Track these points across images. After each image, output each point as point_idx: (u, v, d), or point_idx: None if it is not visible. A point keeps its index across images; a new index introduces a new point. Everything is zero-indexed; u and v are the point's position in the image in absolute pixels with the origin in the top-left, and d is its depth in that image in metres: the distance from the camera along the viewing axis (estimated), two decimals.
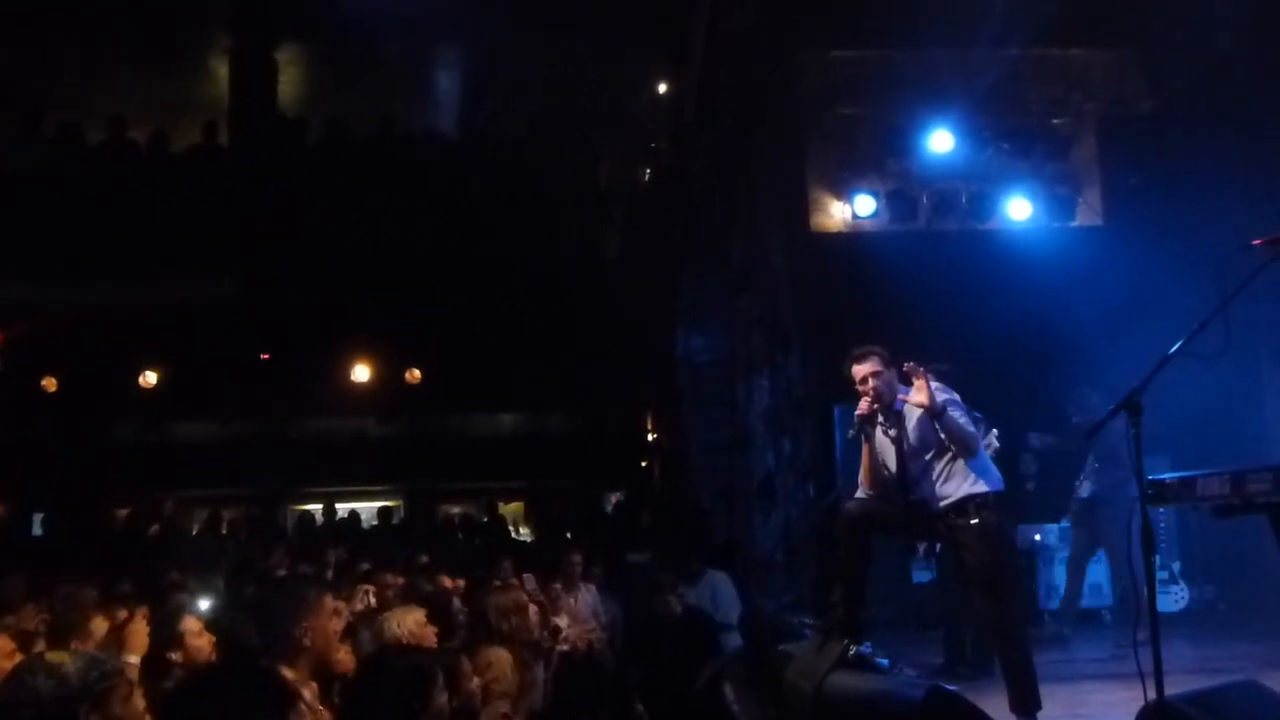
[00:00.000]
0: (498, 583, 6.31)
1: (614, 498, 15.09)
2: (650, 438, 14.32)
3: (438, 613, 5.41)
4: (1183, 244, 9.49)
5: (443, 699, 3.33)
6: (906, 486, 5.72)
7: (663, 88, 11.68)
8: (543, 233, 12.07)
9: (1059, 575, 9.76)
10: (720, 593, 8.79)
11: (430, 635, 4.81)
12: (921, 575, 10.21)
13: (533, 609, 5.87)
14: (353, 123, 13.59)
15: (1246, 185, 9.86)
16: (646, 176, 12.05)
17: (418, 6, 9.98)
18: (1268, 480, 3.49)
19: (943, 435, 5.56)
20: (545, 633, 6.19)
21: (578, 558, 8.62)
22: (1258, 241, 3.96)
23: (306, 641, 3.88)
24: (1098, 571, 9.76)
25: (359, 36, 11.32)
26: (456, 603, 6.10)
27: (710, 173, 10.36)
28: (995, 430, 7.42)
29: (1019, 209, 11.22)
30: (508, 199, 12.09)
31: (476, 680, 4.27)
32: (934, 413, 5.46)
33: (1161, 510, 9.42)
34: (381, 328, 12.03)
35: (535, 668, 5.49)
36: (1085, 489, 8.70)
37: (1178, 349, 3.95)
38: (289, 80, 13.87)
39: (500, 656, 4.73)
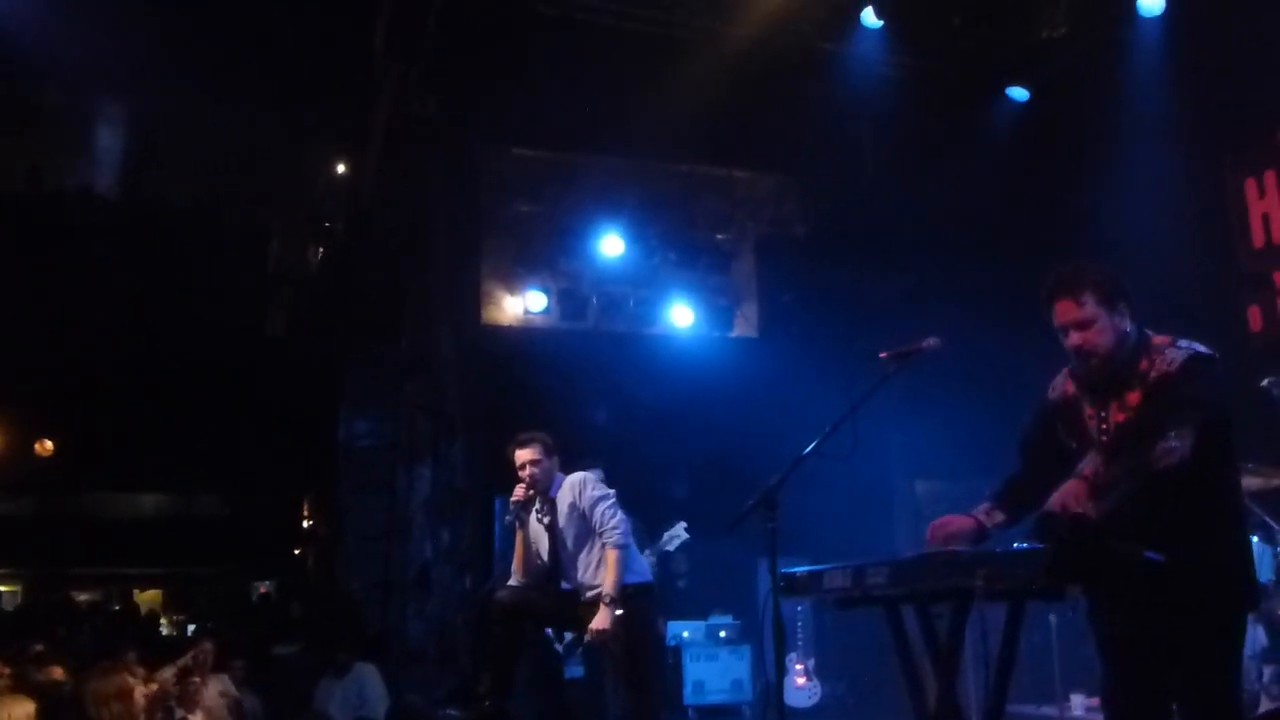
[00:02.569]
0: (103, 666, 5.85)
1: (262, 587, 14.39)
2: (307, 524, 13.79)
3: (49, 705, 4.99)
4: (827, 357, 10.19)
5: None
6: (557, 575, 5.77)
7: (341, 168, 11.52)
8: (204, 306, 11.51)
9: (704, 671, 10.07)
10: (368, 686, 8.54)
11: None
12: (574, 671, 10.29)
13: (143, 698, 5.46)
14: None
15: (882, 305, 10.77)
16: (318, 256, 11.79)
17: (81, 55, 9.41)
18: (884, 574, 3.72)
19: (592, 525, 5.67)
20: None
21: (209, 647, 8.11)
22: (883, 354, 4.28)
23: None
24: (740, 667, 10.14)
25: (6, 78, 10.51)
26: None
27: (383, 257, 10.26)
28: (683, 523, 7.68)
29: (682, 316, 11.75)
30: (168, 268, 11.47)
31: None
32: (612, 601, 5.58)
33: (799, 608, 9.96)
34: (9, 393, 11.02)
35: None
36: None
37: (810, 450, 4.21)
38: None
39: None
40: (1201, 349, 3.59)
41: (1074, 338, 3.68)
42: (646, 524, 8.90)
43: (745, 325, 12.23)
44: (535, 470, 5.79)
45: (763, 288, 12.39)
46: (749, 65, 9.85)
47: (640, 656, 5.62)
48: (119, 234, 11.64)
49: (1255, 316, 9.12)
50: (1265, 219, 9.19)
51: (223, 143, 11.86)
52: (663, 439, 10.56)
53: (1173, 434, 3.36)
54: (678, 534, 7.90)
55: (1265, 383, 6.91)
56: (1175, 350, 3.56)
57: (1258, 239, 9.23)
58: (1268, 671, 6.67)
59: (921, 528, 11.64)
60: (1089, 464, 3.64)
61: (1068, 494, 3.49)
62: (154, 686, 6.46)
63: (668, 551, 8.46)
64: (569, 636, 6.89)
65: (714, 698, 10.06)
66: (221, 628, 11.16)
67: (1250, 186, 9.31)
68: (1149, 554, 3.29)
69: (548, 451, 5.86)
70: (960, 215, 10.57)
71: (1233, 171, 9.44)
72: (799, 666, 10.12)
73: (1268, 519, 6.92)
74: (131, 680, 5.60)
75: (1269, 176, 9.16)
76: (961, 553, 3.44)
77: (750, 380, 11.05)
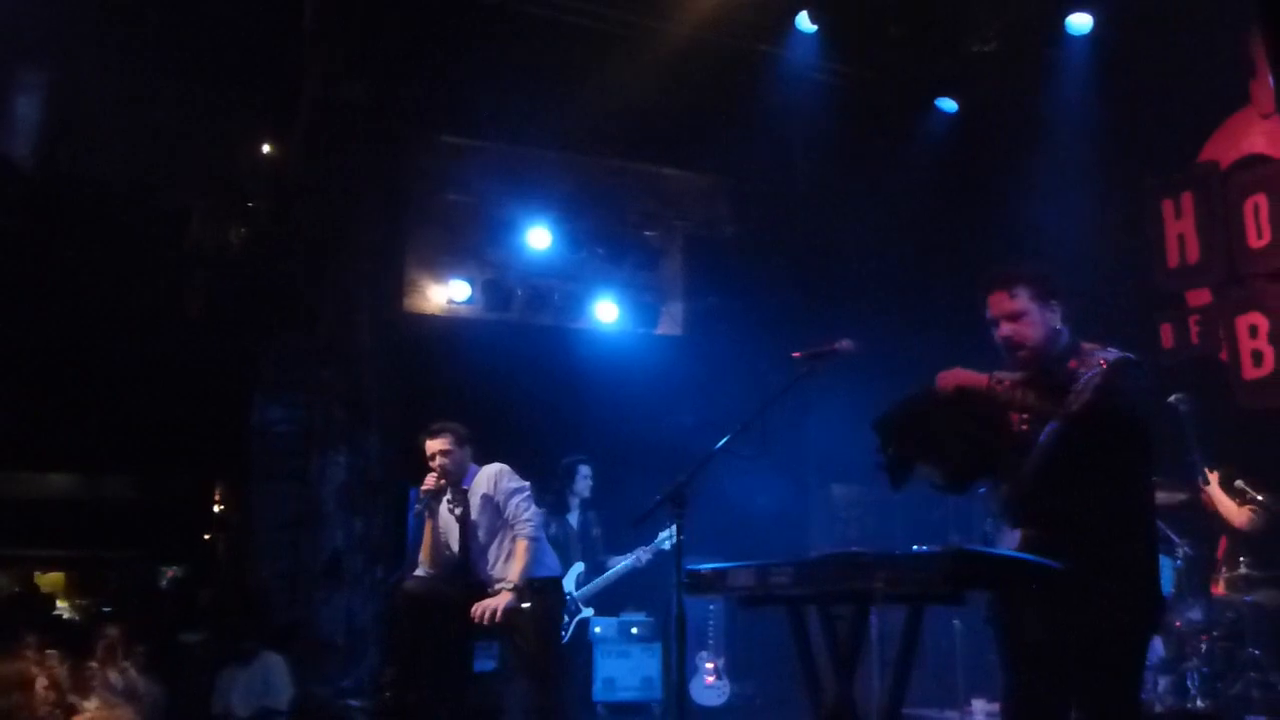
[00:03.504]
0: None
1: (170, 572, 14.08)
2: (218, 510, 13.53)
3: None
4: (751, 359, 10.24)
5: None
6: (467, 567, 5.72)
7: (266, 148, 11.32)
8: (119, 283, 11.21)
9: (616, 667, 10.06)
10: (273, 675, 8.43)
11: None
12: (484, 664, 10.23)
13: (44, 685, 5.33)
14: None
15: (807, 310, 10.83)
16: (239, 237, 11.56)
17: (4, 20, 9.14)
18: (788, 574, 3.73)
19: (505, 517, 5.64)
20: (58, 711, 5.62)
21: (114, 632, 7.94)
22: (796, 354, 4.29)
23: None
24: (651, 665, 10.14)
25: None
26: None
27: (306, 240, 10.09)
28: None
29: (607, 311, 11.72)
30: (83, 242, 11.15)
31: None
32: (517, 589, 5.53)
33: (711, 606, 10.00)
34: None
35: None
36: None
37: (720, 447, 4.21)
38: None
39: None
40: (1131, 356, 3.63)
41: (1004, 328, 3.76)
42: (561, 517, 8.90)
43: (670, 323, 12.24)
44: (446, 461, 5.75)
45: (689, 287, 12.40)
46: (684, 63, 9.86)
47: (547, 650, 5.59)
48: (31, 206, 11.31)
49: (1167, 334, 9.33)
50: (1180, 239, 9.40)
51: (145, 116, 11.57)
52: (584, 433, 10.53)
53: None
54: (673, 535, 7.90)
55: (1173, 399, 7.06)
56: (1106, 353, 3.61)
57: (1173, 259, 9.44)
58: (1163, 681, 6.81)
59: (837, 531, 11.80)
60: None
61: None
62: (49, 672, 6.31)
63: (663, 550, 8.49)
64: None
65: (624, 694, 10.06)
66: (126, 613, 10.90)
67: (1168, 207, 9.52)
68: (1045, 561, 3.32)
69: (459, 442, 5.82)
70: (888, 222, 10.68)
71: (1151, 191, 9.64)
72: (710, 665, 10.15)
73: (1169, 532, 7.08)
74: (34, 669, 5.47)
75: (1186, 198, 9.37)
76: (863, 554, 3.44)
77: (673, 378, 11.06)
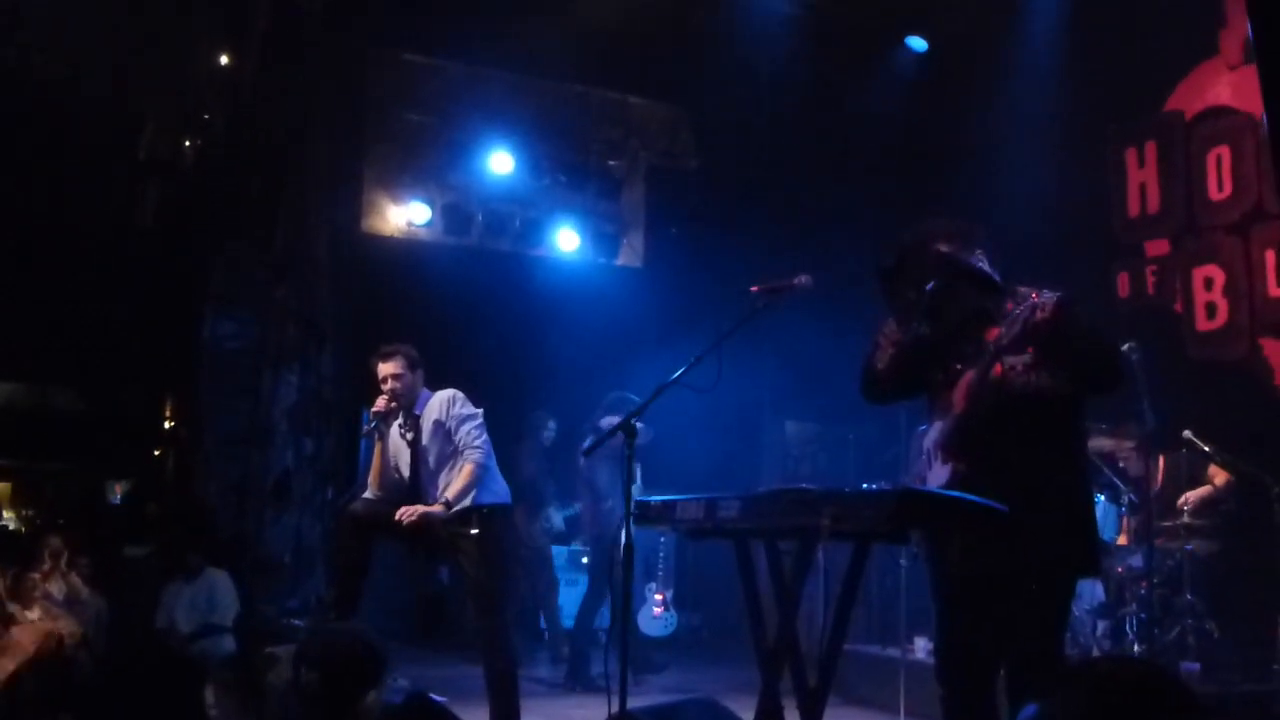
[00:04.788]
0: None
1: (119, 487, 13.98)
2: (168, 425, 13.40)
3: None
4: (709, 293, 10.20)
5: None
6: (416, 492, 5.69)
7: (225, 58, 11.04)
8: (69, 189, 10.97)
9: (565, 595, 10.12)
10: (218, 592, 8.38)
11: None
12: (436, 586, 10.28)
13: None
14: None
15: (769, 246, 10.79)
16: (194, 147, 11.30)
17: None
18: (735, 507, 3.73)
19: (456, 443, 5.60)
20: None
21: (57, 542, 7.87)
22: (755, 288, 4.25)
23: None
24: None
25: None
26: None
27: (262, 155, 9.88)
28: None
29: (567, 240, 11.63)
30: (31, 145, 10.87)
31: None
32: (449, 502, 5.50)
33: (662, 539, 10.05)
34: None
35: None
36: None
37: (673, 380, 4.17)
38: None
39: None
40: (1066, 294, 3.66)
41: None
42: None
43: (630, 255, 12.17)
44: (397, 385, 5.69)
45: (651, 218, 12.32)
46: None
47: (492, 576, 5.57)
48: None
49: (1123, 282, 9.37)
50: (1142, 188, 9.41)
51: (99, 20, 11.24)
52: (538, 363, 10.51)
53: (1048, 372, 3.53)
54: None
55: (1125, 347, 7.08)
56: (1042, 294, 3.63)
57: (1134, 208, 9.45)
58: (1102, 625, 6.93)
59: (790, 467, 11.86)
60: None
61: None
62: None
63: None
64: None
65: (572, 623, 10.13)
66: (71, 525, 10.80)
67: (1131, 156, 9.51)
68: (992, 504, 3.33)
69: (410, 365, 5.75)
70: (852, 159, 10.61)
71: (1115, 140, 9.62)
72: (658, 596, 10.22)
73: (1115, 479, 7.16)
74: None
75: (1150, 147, 9.36)
76: (810, 491, 3.44)
77: (631, 310, 11.02)
